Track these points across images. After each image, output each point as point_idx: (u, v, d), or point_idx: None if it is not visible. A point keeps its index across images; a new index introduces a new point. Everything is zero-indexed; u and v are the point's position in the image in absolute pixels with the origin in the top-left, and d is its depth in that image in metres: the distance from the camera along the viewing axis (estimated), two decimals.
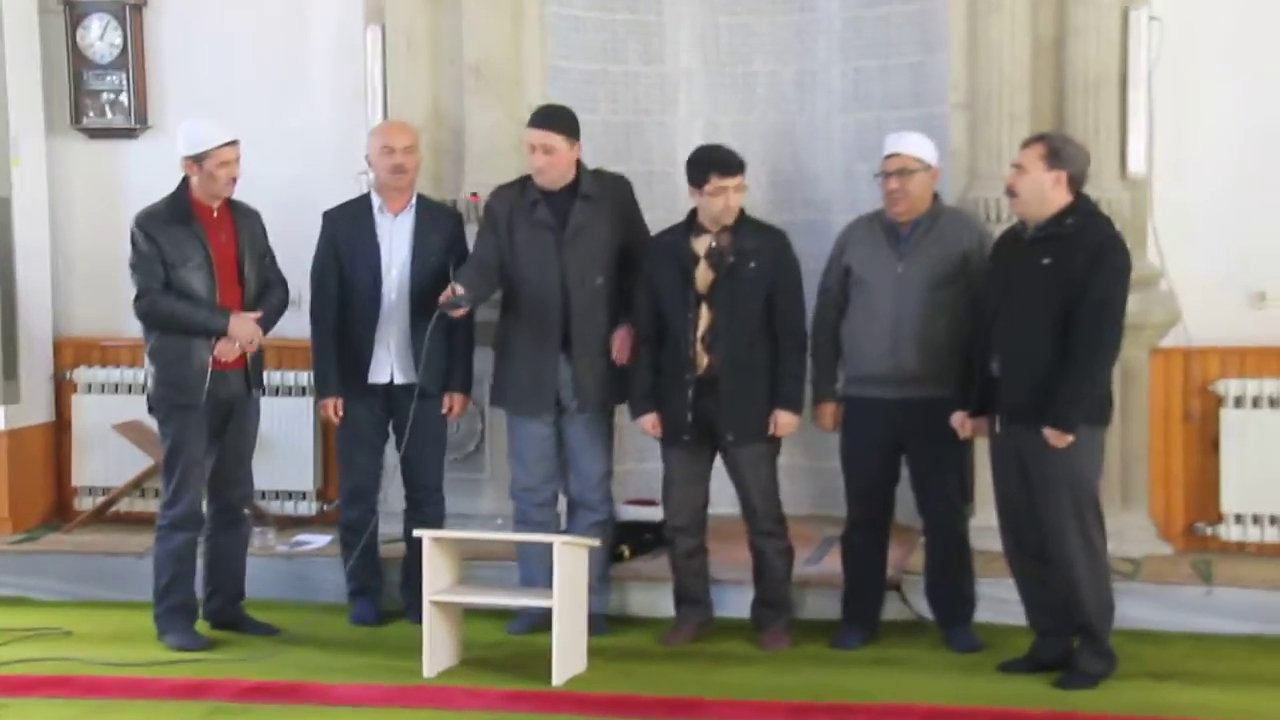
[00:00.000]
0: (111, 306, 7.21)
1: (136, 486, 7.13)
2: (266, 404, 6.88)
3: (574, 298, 5.83)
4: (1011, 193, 5.33)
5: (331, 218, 6.12)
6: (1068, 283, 5.13)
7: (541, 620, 5.58)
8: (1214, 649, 5.73)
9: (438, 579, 5.47)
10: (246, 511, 6.17)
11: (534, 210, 5.86)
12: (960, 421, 5.47)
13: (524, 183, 5.96)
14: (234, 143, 5.79)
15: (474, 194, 6.46)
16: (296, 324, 6.29)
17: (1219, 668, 5.53)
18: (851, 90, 7.13)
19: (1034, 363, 5.18)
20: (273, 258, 6.02)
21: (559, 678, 5.33)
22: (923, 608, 5.96)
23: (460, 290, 5.63)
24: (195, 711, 5.12)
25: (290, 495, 7.14)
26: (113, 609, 6.37)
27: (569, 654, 5.40)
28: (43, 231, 7.24)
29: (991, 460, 5.47)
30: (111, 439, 7.01)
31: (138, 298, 5.76)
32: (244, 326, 5.77)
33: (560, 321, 5.83)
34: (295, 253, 6.15)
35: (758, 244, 5.74)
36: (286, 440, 6.99)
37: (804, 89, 7.24)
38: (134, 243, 5.77)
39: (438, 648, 5.47)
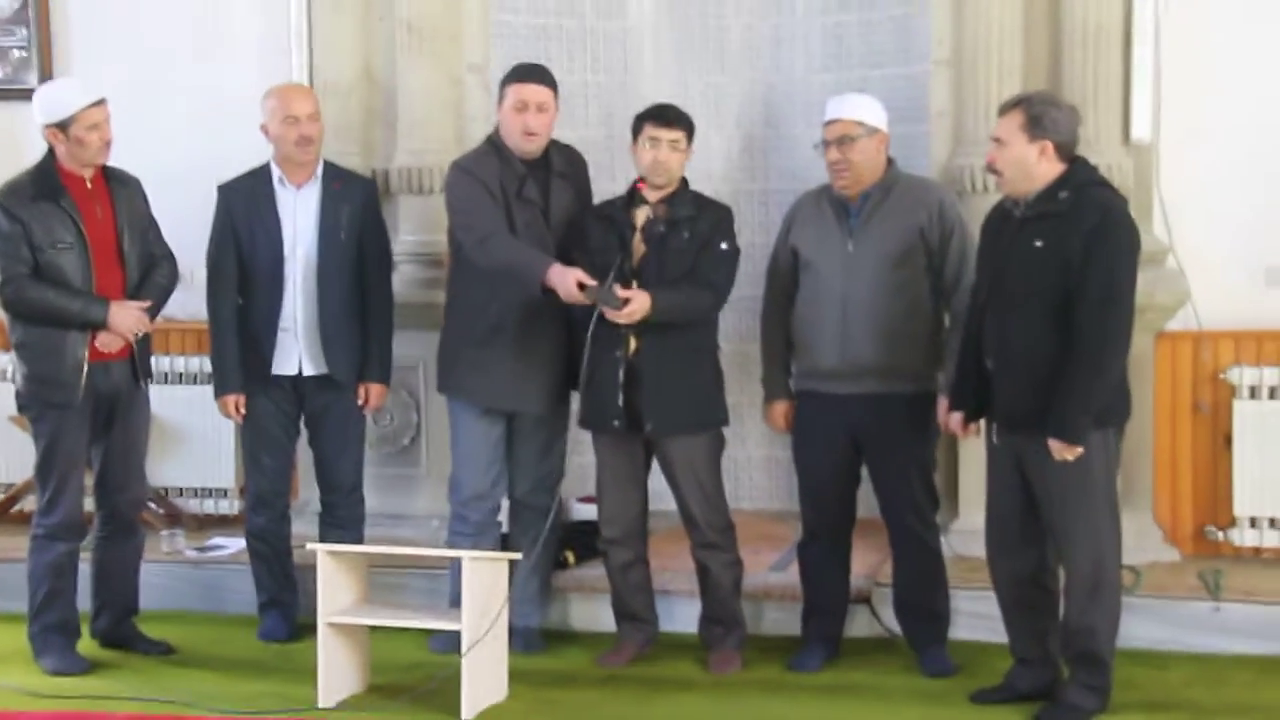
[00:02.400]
0: None
1: None
2: (184, 393, 6.40)
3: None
4: (993, 169, 4.64)
5: (227, 192, 5.50)
6: (1064, 266, 4.43)
7: None
8: (1219, 673, 5.09)
9: (335, 597, 4.86)
10: (141, 518, 5.56)
11: (522, 186, 5.23)
12: (954, 422, 4.80)
13: (496, 150, 5.28)
14: (101, 102, 5.14)
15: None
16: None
17: (1224, 696, 4.89)
18: (832, 48, 6.46)
19: (1031, 362, 4.50)
20: (157, 230, 5.39)
21: (468, 711, 4.71)
22: (894, 623, 5.32)
23: (613, 289, 4.92)
24: None
25: (210, 493, 6.55)
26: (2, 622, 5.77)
27: (483, 682, 4.78)
28: None
29: (987, 472, 4.80)
30: (10, 431, 6.39)
31: (2, 285, 5.13)
32: (126, 316, 5.14)
33: (560, 312, 5.16)
34: (207, 227, 5.54)
35: (693, 213, 5.11)
36: (203, 433, 6.40)
37: (780, 46, 6.57)
38: None
39: (337, 673, 4.86)
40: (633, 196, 5.17)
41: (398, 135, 6.14)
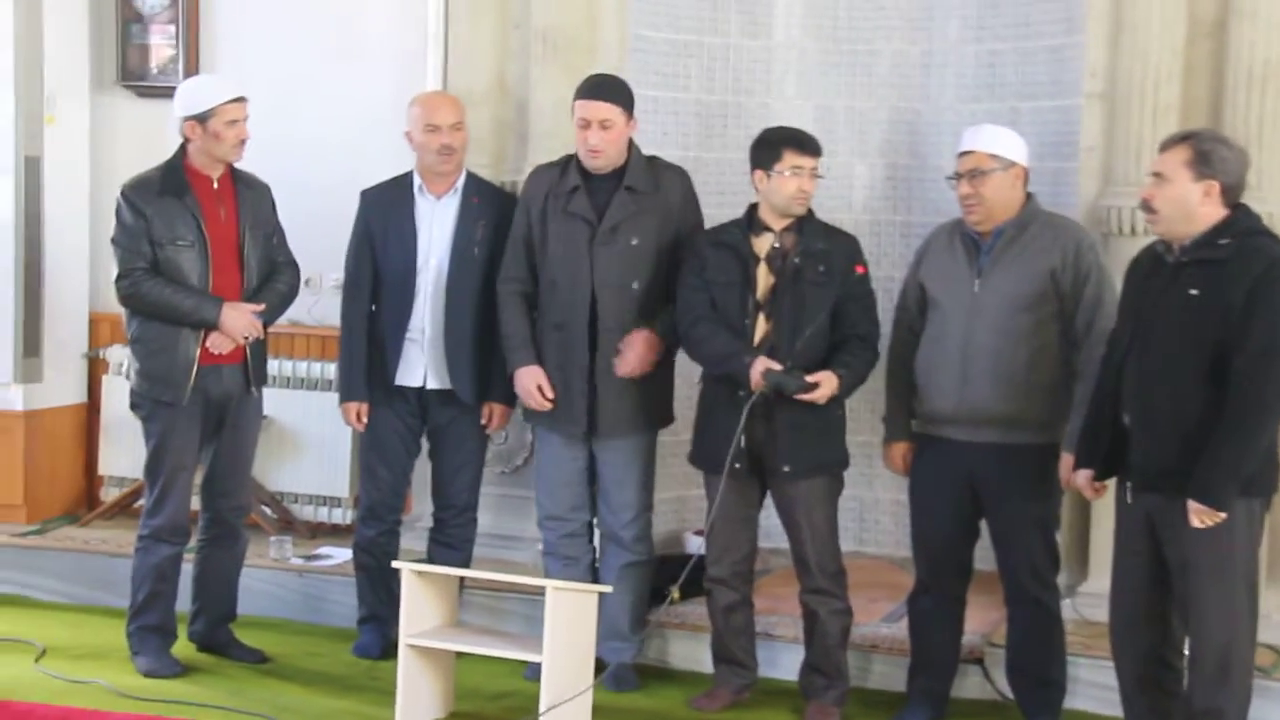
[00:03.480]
0: None
1: None
2: (300, 399, 6.34)
3: (602, 303, 5.03)
4: (1148, 208, 4.28)
5: (368, 198, 5.42)
6: (1222, 320, 4.08)
7: None
8: None
9: (419, 618, 4.72)
10: (249, 522, 5.52)
11: (571, 198, 5.08)
12: (1081, 480, 4.46)
13: (566, 164, 5.18)
14: (242, 99, 5.13)
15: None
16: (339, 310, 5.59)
17: None
18: (984, 76, 6.16)
19: (1176, 419, 4.15)
20: (282, 236, 5.35)
21: None
22: (1006, 686, 5.02)
23: (796, 372, 4.77)
24: None
25: (325, 501, 6.48)
26: (103, 616, 5.77)
27: (564, 718, 4.59)
28: (80, 196, 6.66)
29: (1115, 534, 4.47)
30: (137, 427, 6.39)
31: (119, 278, 5.09)
32: (238, 318, 5.09)
33: (587, 329, 5.05)
34: (343, 233, 5.48)
35: (827, 246, 4.87)
36: (320, 440, 6.34)
37: (931, 73, 6.29)
38: (118, 215, 5.12)
39: (416, 698, 4.74)
40: (752, 222, 4.95)
41: (528, 147, 6.00)
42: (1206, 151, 4.20)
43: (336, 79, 6.43)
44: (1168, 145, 4.30)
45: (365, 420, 5.37)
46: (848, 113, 6.35)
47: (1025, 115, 5.83)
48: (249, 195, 5.22)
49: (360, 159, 6.04)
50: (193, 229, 5.07)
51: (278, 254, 5.30)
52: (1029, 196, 4.83)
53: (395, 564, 4.84)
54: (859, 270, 4.91)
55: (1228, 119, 5.35)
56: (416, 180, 5.38)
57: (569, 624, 4.59)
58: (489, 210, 5.35)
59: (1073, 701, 4.93)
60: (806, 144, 4.92)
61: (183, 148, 5.17)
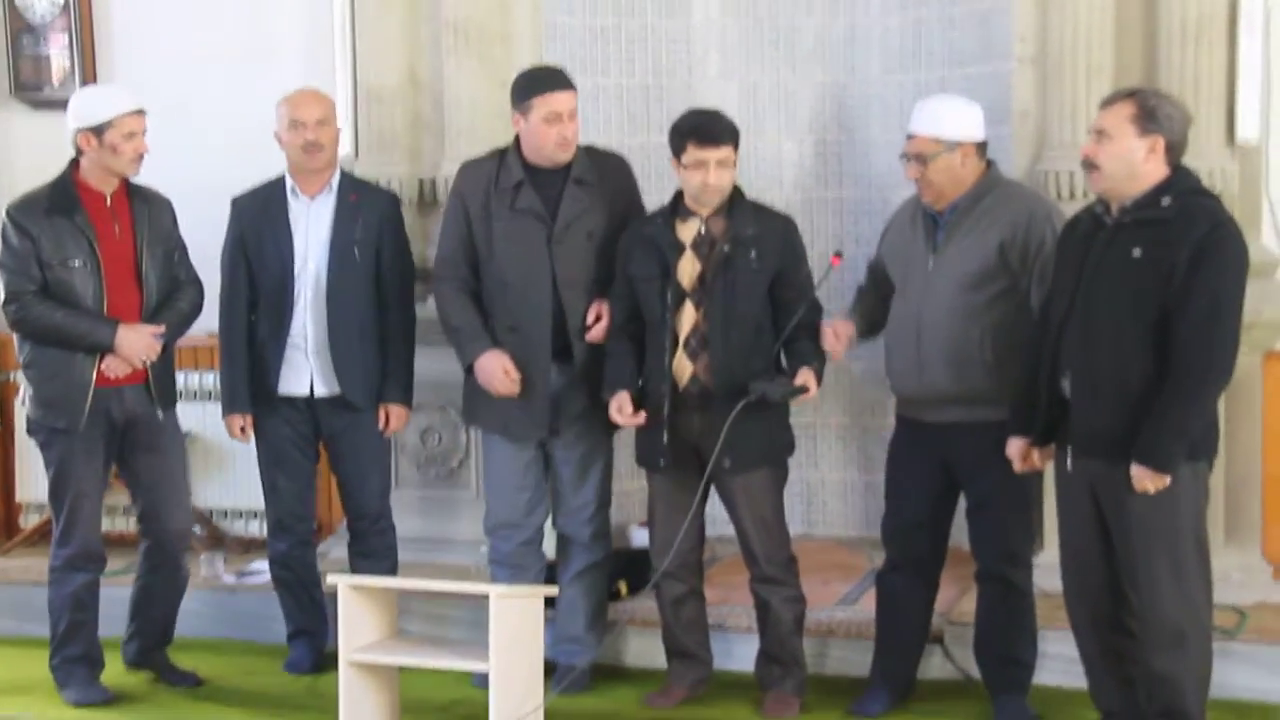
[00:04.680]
0: None
1: None
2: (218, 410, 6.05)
3: (568, 302, 4.86)
4: (1090, 165, 4.17)
5: (240, 205, 5.23)
6: (1165, 281, 3.99)
7: None
8: None
9: (358, 632, 4.52)
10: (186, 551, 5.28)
11: (517, 195, 4.88)
12: (1018, 451, 4.38)
13: (501, 159, 4.97)
14: (141, 111, 4.90)
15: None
16: None
17: None
18: (910, 45, 6.04)
19: (1118, 383, 4.06)
20: (184, 252, 5.12)
21: None
22: (972, 665, 4.89)
23: (785, 381, 4.67)
24: None
25: (255, 515, 6.20)
26: (28, 648, 5.52)
27: None
28: None
29: (1058, 503, 4.38)
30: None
31: (6, 302, 4.87)
32: (136, 340, 4.86)
33: (551, 329, 4.87)
34: None
35: (758, 230, 4.71)
36: (247, 453, 6.00)
37: (855, 45, 6.17)
38: (4, 236, 4.88)
39: (361, 713, 4.54)
40: (676, 209, 4.79)
41: (445, 143, 5.81)
42: (1152, 108, 4.11)
43: (241, 81, 6.21)
44: (1111, 101, 4.20)
45: (249, 432, 5.20)
46: (773, 89, 6.23)
47: (954, 83, 5.70)
48: (146, 210, 4.98)
49: (270, 162, 5.77)
50: (84, 248, 4.84)
51: (179, 270, 5.08)
52: (989, 165, 4.70)
53: (331, 578, 4.62)
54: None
55: (1162, 77, 5.24)
56: (288, 182, 5.19)
57: (515, 630, 4.42)
58: (368, 209, 5.16)
59: (1039, 676, 4.80)
60: (706, 135, 4.68)
61: (74, 162, 4.94)
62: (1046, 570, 5.11)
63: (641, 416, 4.73)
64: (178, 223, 5.11)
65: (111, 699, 4.97)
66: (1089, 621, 4.32)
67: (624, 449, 5.25)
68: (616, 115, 6.12)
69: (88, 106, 4.90)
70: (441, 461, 5.90)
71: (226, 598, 5.67)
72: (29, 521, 6.39)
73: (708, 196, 4.69)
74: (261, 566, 5.84)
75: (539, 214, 4.88)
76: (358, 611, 4.53)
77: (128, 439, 4.98)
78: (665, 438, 4.67)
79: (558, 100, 4.83)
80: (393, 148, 5.82)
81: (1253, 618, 5.03)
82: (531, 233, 4.88)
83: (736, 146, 4.71)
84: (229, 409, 5.19)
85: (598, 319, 4.87)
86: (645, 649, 5.21)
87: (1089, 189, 4.39)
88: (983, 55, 5.77)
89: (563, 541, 5.10)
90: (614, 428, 4.90)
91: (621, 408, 4.73)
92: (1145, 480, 4.02)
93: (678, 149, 4.70)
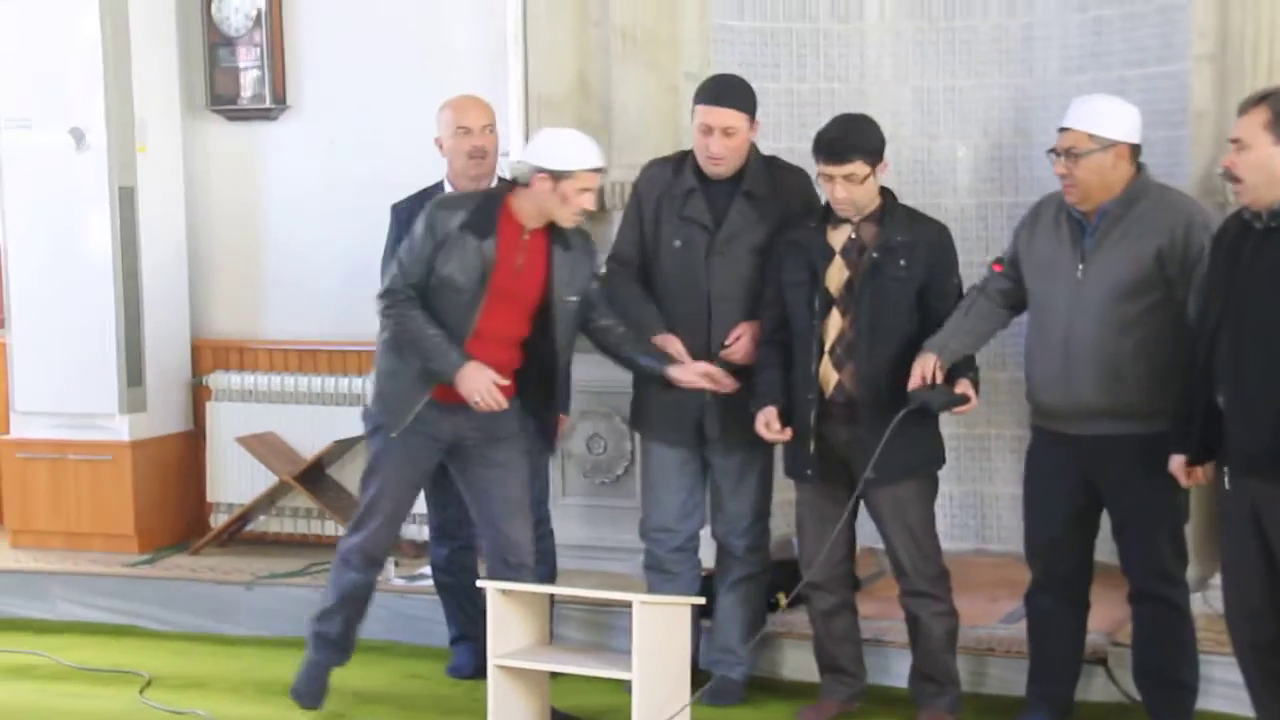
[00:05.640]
0: (252, 305, 6.74)
1: (270, 503, 6.50)
2: None
3: (717, 312, 4.84)
4: (1231, 177, 4.02)
5: (399, 211, 5.28)
6: None
7: None
8: None
9: (508, 637, 4.58)
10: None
11: (687, 201, 4.88)
12: (1180, 468, 4.22)
13: (681, 162, 4.98)
14: (601, 170, 4.76)
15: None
16: None
17: None
18: (1090, 45, 5.86)
19: (1271, 396, 3.89)
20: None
21: None
22: (1134, 688, 4.73)
23: (931, 369, 4.54)
24: None
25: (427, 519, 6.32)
26: (212, 645, 5.76)
27: None
28: (177, 224, 6.67)
29: (1222, 523, 4.21)
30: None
31: (384, 293, 4.73)
32: (475, 379, 4.63)
33: (704, 338, 4.85)
34: None
35: (909, 238, 4.63)
36: None
37: (1033, 45, 6.01)
38: (414, 226, 4.73)
39: (509, 718, 4.58)
40: (829, 214, 4.73)
41: (612, 148, 5.81)
42: None
43: (420, 89, 6.25)
44: (1245, 108, 4.05)
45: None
46: (947, 93, 6.11)
47: (1133, 83, 5.53)
48: (568, 260, 4.75)
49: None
50: (476, 271, 4.65)
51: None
52: (1139, 169, 4.53)
53: (481, 582, 4.69)
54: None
55: None
56: (447, 188, 5.23)
57: (660, 639, 4.43)
58: None
59: (1206, 702, 4.65)
60: (830, 151, 4.60)
61: (503, 191, 4.79)
62: (1214, 592, 4.95)
63: (789, 433, 4.69)
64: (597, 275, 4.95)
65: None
66: (1253, 646, 4.14)
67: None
68: (787, 120, 6.05)
69: (558, 149, 4.67)
70: (606, 470, 5.92)
71: (395, 600, 5.76)
72: (218, 521, 6.61)
73: (840, 210, 4.64)
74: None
75: (704, 224, 4.86)
76: (506, 616, 4.59)
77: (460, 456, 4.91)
78: (812, 447, 4.63)
79: (709, 114, 4.81)
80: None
81: None
82: (695, 242, 4.87)
83: (872, 159, 4.61)
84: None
85: (738, 339, 4.84)
86: (801, 662, 5.15)
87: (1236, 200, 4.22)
88: (1163, 55, 5.57)
89: (720, 551, 5.08)
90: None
91: (769, 423, 4.70)
92: None
93: (816, 161, 4.66)
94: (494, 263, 4.64)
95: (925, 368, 4.53)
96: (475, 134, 5.15)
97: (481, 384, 4.62)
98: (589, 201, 4.66)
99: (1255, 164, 3.94)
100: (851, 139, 4.62)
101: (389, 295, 4.71)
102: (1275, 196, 3.94)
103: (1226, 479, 4.07)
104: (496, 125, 5.30)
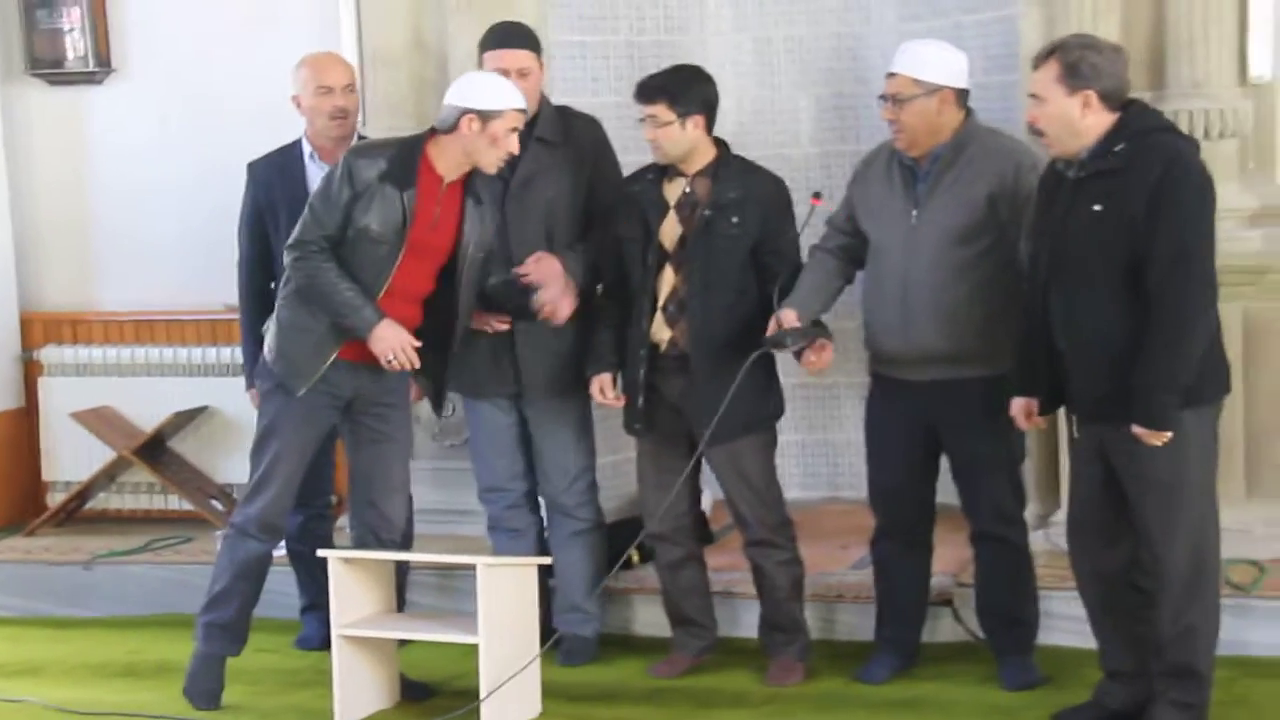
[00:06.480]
0: (84, 276, 6.54)
1: (109, 480, 6.33)
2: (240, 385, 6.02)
3: (518, 258, 4.78)
4: (1036, 130, 4.06)
5: (256, 171, 5.16)
6: (1129, 229, 3.87)
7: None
8: None
9: (352, 606, 4.50)
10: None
11: None
12: (1022, 410, 4.25)
13: None
14: (524, 112, 4.59)
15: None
16: None
17: None
18: None
19: (1102, 343, 3.95)
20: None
21: None
22: (979, 626, 4.79)
23: (793, 323, 4.47)
24: None
25: None
26: (48, 629, 5.58)
27: (510, 700, 4.38)
28: (1, 194, 6.45)
29: (1070, 467, 4.28)
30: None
31: (294, 244, 4.52)
32: (391, 339, 4.49)
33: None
34: None
35: (742, 193, 4.60)
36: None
37: None
38: (329, 175, 4.55)
39: (357, 689, 4.53)
40: (666, 166, 4.69)
41: None
42: (1074, 62, 3.97)
43: (249, 49, 6.20)
44: (1038, 62, 4.07)
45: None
46: (787, 42, 6.13)
47: (968, 29, 5.59)
48: (478, 213, 4.62)
49: (284, 129, 5.75)
50: (395, 220, 4.48)
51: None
52: (968, 114, 4.55)
53: (321, 552, 4.60)
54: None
55: (1171, 16, 5.12)
56: (306, 148, 5.12)
57: (506, 601, 4.38)
58: None
59: (1048, 636, 4.73)
60: (636, 91, 4.65)
61: (423, 138, 4.58)
62: (1060, 529, 5.02)
63: (623, 400, 4.68)
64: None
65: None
66: (1093, 576, 4.21)
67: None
68: (628, 73, 5.99)
69: (484, 91, 4.52)
70: (456, 432, 5.84)
71: None
72: (54, 501, 6.42)
73: (656, 156, 4.62)
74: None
75: (498, 173, 4.73)
76: (350, 585, 4.51)
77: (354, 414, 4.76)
78: (640, 402, 4.60)
79: (501, 58, 4.75)
80: (399, 111, 5.77)
81: (1271, 572, 4.89)
82: (490, 191, 4.73)
83: (681, 108, 4.56)
84: (250, 382, 5.08)
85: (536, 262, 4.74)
86: (653, 617, 5.13)
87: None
88: (996, 0, 5.61)
89: (549, 509, 5.04)
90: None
91: (604, 390, 4.68)
92: (1149, 439, 3.90)
93: None
94: (414, 214, 4.50)
95: (784, 317, 4.49)
96: (337, 94, 5.03)
97: (397, 343, 4.50)
98: (515, 144, 4.53)
99: (1054, 117, 3.98)
100: (661, 82, 4.61)
101: (299, 246, 4.52)
102: (1080, 145, 3.97)
103: (1074, 426, 4.12)
104: (356, 85, 5.19)
